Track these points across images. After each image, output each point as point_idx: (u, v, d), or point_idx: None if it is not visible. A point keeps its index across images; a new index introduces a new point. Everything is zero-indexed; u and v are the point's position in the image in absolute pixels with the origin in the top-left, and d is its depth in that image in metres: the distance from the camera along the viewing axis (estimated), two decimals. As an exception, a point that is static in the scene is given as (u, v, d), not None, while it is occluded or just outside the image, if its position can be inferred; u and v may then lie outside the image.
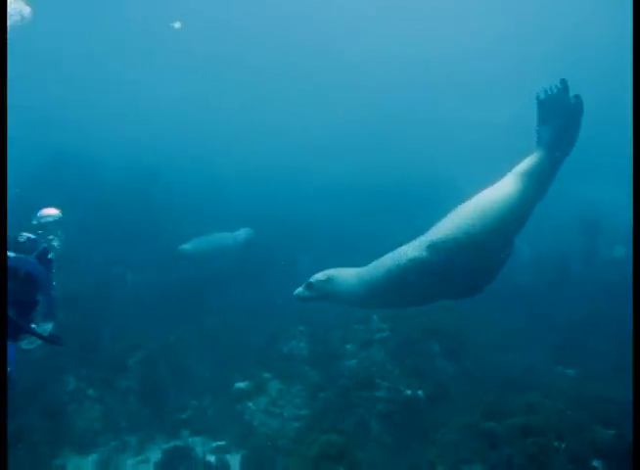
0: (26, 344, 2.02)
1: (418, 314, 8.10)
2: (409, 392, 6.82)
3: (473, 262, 5.73)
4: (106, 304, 9.28)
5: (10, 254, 2.17)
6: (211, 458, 6.88)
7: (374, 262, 6.38)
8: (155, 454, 7.05)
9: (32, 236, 2.35)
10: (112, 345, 8.55)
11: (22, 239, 2.32)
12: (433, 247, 5.77)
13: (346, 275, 6.46)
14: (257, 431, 7.17)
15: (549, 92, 5.87)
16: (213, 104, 37.22)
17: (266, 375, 7.98)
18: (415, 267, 5.77)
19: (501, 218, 5.91)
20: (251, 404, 7.52)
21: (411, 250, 5.90)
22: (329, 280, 6.37)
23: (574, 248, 12.84)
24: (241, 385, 7.81)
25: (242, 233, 13.41)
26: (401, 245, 5.99)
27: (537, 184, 6.15)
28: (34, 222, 4.55)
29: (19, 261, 2.15)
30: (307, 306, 6.75)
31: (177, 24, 28.32)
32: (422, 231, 5.96)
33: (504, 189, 6.02)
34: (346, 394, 7.01)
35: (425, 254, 5.80)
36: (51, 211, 4.77)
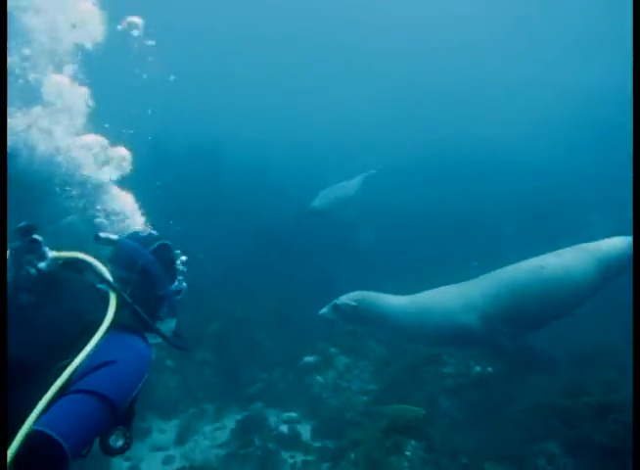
0: (152, 337, 2.13)
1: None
2: (478, 368, 6.81)
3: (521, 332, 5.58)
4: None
5: (126, 239, 2.26)
6: (284, 428, 7.18)
7: (420, 298, 6.08)
8: (230, 423, 7.45)
9: (155, 232, 2.45)
10: (186, 319, 8.98)
11: (143, 234, 2.42)
12: (485, 320, 5.59)
13: (383, 303, 6.20)
14: (326, 403, 7.39)
15: None
16: (242, 80, 37.16)
17: (333, 350, 8.19)
18: (464, 333, 5.66)
19: (565, 302, 5.59)
20: (319, 378, 7.76)
21: (463, 312, 5.68)
22: (360, 305, 6.16)
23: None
24: (309, 359, 8.05)
25: (358, 180, 13.47)
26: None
27: (617, 273, 5.72)
28: None
29: (137, 253, 2.23)
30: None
31: None
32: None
33: (579, 273, 5.59)
34: (414, 369, 7.08)
35: (475, 324, 5.63)
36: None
